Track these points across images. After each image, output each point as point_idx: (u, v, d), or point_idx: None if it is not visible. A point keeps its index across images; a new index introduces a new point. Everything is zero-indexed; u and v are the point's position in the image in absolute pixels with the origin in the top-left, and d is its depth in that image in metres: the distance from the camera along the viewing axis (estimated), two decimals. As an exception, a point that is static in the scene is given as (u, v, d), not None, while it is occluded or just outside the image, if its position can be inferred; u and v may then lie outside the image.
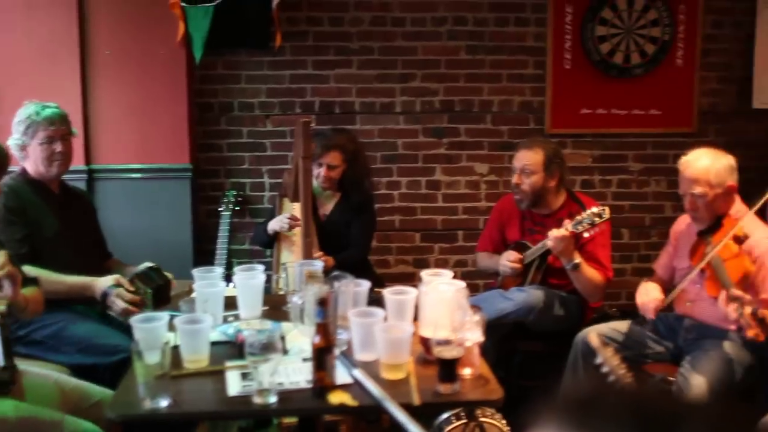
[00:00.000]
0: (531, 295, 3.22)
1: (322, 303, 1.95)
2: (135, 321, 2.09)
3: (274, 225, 3.50)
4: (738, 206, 2.95)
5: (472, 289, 4.00)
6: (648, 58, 4.34)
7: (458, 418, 2.60)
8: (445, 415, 2.63)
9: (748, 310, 2.45)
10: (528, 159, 3.34)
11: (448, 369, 2.00)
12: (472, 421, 2.56)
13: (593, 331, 2.84)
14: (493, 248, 3.55)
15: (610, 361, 1.89)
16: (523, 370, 3.60)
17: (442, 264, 4.34)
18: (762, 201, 2.82)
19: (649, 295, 2.92)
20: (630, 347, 3.02)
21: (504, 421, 2.59)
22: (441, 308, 2.20)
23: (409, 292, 2.32)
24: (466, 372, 2.10)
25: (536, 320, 3.23)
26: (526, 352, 3.52)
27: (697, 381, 2.65)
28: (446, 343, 2.03)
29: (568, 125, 4.37)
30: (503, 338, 3.30)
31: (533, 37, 4.32)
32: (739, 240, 2.77)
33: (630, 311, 4.14)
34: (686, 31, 4.37)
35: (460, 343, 2.05)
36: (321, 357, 1.93)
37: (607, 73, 4.34)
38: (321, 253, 3.36)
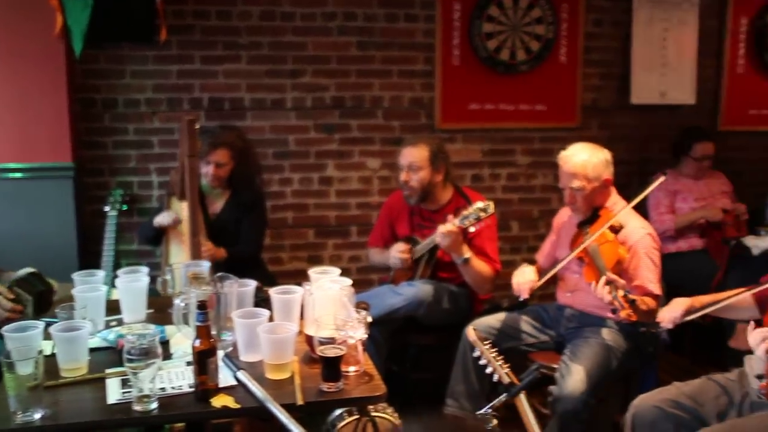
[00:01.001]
0: (420, 289, 3.27)
1: (202, 306, 1.92)
2: (6, 330, 2.00)
3: (160, 219, 3.43)
4: (614, 198, 3.09)
5: (367, 284, 4.06)
6: (533, 55, 4.47)
7: (350, 414, 2.61)
8: (337, 412, 2.64)
9: (620, 292, 2.58)
10: (414, 155, 3.39)
11: (332, 367, 2.00)
12: (364, 416, 2.58)
13: (477, 325, 2.91)
14: (384, 244, 3.59)
15: (486, 354, 1.94)
16: (416, 363, 3.66)
17: (336, 260, 4.35)
18: (656, 184, 2.95)
19: (524, 276, 3.04)
20: (515, 337, 3.12)
21: (396, 414, 2.62)
22: (325, 306, 2.20)
23: (295, 291, 2.31)
24: (351, 370, 2.11)
25: (426, 314, 3.29)
26: (418, 345, 3.58)
27: (577, 368, 2.77)
28: (330, 341, 2.04)
29: (458, 120, 4.45)
30: (396, 332, 3.35)
31: (423, 33, 4.37)
32: (615, 230, 2.91)
33: (519, 301, 4.29)
34: (569, 30, 4.53)
35: (343, 341, 2.06)
36: (202, 360, 1.90)
37: (494, 69, 4.44)
38: (210, 245, 3.31)
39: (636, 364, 3.04)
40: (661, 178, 2.94)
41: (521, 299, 3.01)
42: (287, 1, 4.19)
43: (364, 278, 4.24)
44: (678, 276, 3.87)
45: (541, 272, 3.12)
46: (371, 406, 2.60)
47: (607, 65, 4.65)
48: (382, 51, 4.34)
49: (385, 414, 2.62)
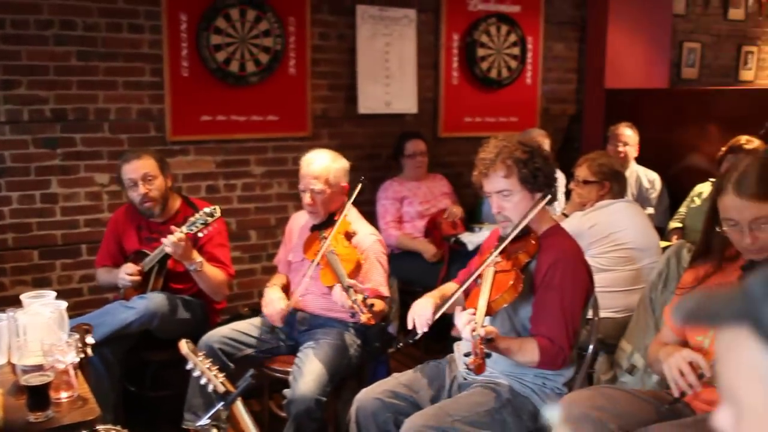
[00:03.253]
0: (153, 300, 3.19)
1: None
2: None
3: None
4: (348, 205, 3.24)
5: (101, 303, 3.86)
6: (263, 67, 4.54)
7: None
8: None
9: (360, 297, 2.69)
10: (145, 166, 3.31)
11: (38, 396, 1.91)
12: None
13: (183, 339, 2.91)
14: (112, 262, 3.46)
15: (200, 365, 1.95)
16: (154, 380, 3.56)
17: (66, 281, 4.11)
18: (357, 190, 3.11)
19: (273, 306, 3.08)
20: (250, 345, 3.15)
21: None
22: (32, 332, 2.09)
23: (1, 318, 2.16)
24: (63, 396, 2.02)
25: (161, 326, 3.21)
26: (156, 362, 3.48)
27: (309, 368, 2.86)
28: (37, 368, 1.94)
29: (190, 132, 4.40)
30: (131, 350, 3.24)
31: (149, 44, 4.26)
32: (349, 236, 3.05)
33: (260, 309, 4.33)
34: (297, 42, 4.66)
35: (52, 367, 1.96)
36: None
37: (224, 80, 4.45)
38: None
39: (366, 359, 3.20)
40: (360, 185, 3.10)
41: (276, 327, 3.08)
42: (-6, 7, 3.89)
43: (98, 298, 4.04)
44: (408, 273, 4.15)
45: (285, 287, 3.20)
46: (102, 428, 2.49)
47: (335, 77, 4.85)
48: (106, 62, 4.17)
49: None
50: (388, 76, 5.02)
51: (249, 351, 3.13)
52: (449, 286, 2.77)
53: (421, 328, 2.50)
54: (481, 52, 5.36)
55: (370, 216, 4.25)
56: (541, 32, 5.66)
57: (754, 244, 1.96)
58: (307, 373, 2.83)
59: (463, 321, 2.26)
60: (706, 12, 6.67)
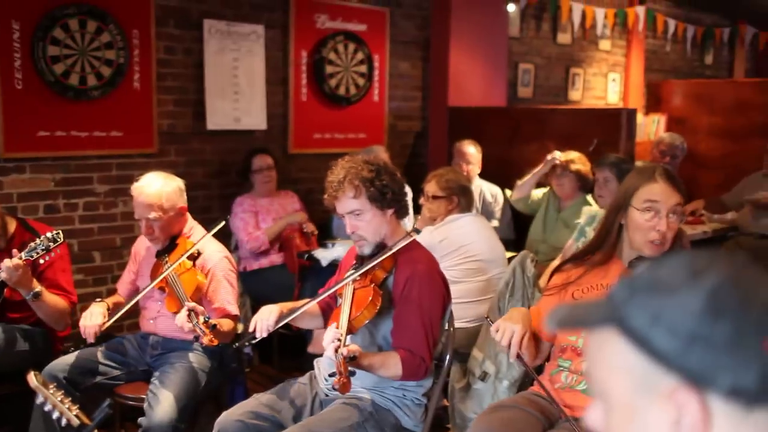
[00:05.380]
0: None
1: None
2: None
3: None
4: (190, 224, 3.16)
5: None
6: (105, 81, 4.35)
7: None
8: None
9: (201, 319, 2.64)
10: None
11: None
12: None
13: (32, 372, 2.74)
14: (-62, 289, 3.18)
15: (51, 398, 1.84)
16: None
17: None
18: (216, 227, 3.04)
19: (91, 319, 2.90)
20: (99, 372, 3.00)
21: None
22: None
23: None
24: None
25: (-1, 359, 2.99)
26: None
27: (164, 395, 2.76)
28: None
29: (25, 149, 4.13)
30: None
31: (-23, 53, 3.98)
32: (194, 257, 2.98)
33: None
34: (141, 55, 4.50)
35: None
36: None
37: (63, 94, 4.22)
38: None
39: (222, 381, 3.14)
40: (222, 223, 3.02)
41: (88, 342, 2.90)
42: None
43: None
44: (261, 290, 4.12)
45: (116, 307, 3.04)
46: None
47: (182, 92, 4.73)
48: (-73, 72, 3.85)
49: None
50: (236, 92, 4.97)
51: (98, 378, 2.98)
52: (306, 301, 2.77)
53: (261, 333, 2.50)
54: (329, 69, 5.42)
55: (226, 235, 4.17)
56: (387, 51, 5.80)
57: (666, 232, 2.20)
58: (163, 399, 2.74)
59: (328, 339, 2.28)
60: (538, 35, 7.12)
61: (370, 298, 2.43)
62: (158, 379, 2.85)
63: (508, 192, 5.04)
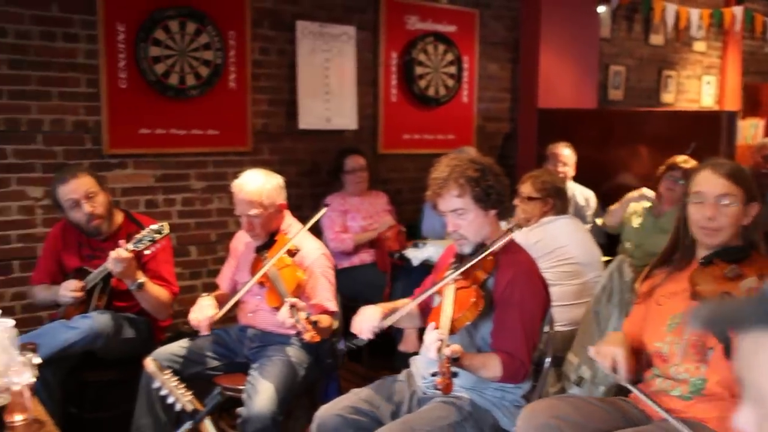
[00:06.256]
0: (97, 320, 3.07)
1: None
2: None
3: None
4: (288, 221, 3.20)
5: (35, 322, 3.72)
6: (203, 80, 4.47)
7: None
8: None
9: (303, 315, 2.66)
10: (84, 185, 3.19)
11: (-6, 418, 1.81)
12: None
13: (161, 354, 2.82)
14: (50, 279, 3.31)
15: (167, 384, 1.89)
16: (97, 402, 3.43)
17: (-4, 299, 3.93)
18: (319, 215, 3.08)
19: (202, 312, 2.97)
20: (200, 363, 3.07)
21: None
22: (-17, 352, 1.98)
23: (-55, 338, 2.04)
24: (18, 419, 1.92)
25: (106, 347, 3.09)
26: (97, 382, 3.35)
27: (263, 386, 2.80)
28: (-10, 390, 1.84)
29: (128, 145, 4.28)
30: (72, 371, 3.11)
31: (84, 54, 4.14)
32: (292, 253, 3.01)
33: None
34: (237, 56, 4.61)
35: (7, 389, 1.87)
36: None
37: (164, 93, 4.35)
38: None
39: (318, 376, 3.17)
40: (324, 210, 3.08)
41: (200, 334, 2.97)
42: None
43: (31, 316, 3.87)
44: (352, 288, 4.14)
45: (222, 301, 3.10)
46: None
47: (276, 92, 4.82)
48: (39, 71, 4.02)
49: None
50: (328, 92, 5.02)
51: (198, 368, 3.05)
52: (403, 301, 2.77)
53: (365, 335, 2.50)
54: (419, 70, 5.43)
55: (317, 232, 4.22)
56: (476, 52, 5.78)
57: (713, 219, 2.18)
58: (262, 390, 2.78)
59: (430, 339, 2.27)
60: (630, 36, 6.96)
61: (473, 300, 2.41)
62: (257, 371, 2.90)
63: (593, 200, 4.92)
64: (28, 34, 3.98)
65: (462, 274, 2.50)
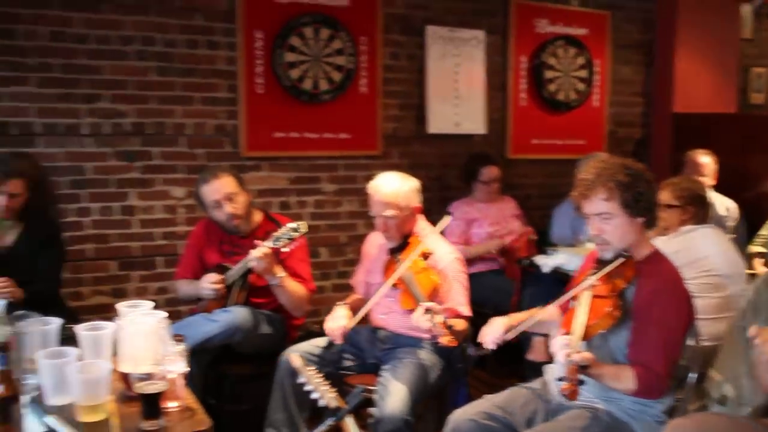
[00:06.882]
0: (236, 314, 3.18)
1: (3, 348, 1.76)
2: None
3: None
4: (421, 224, 3.22)
5: (175, 316, 3.89)
6: (335, 85, 4.57)
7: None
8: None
9: (439, 319, 2.66)
10: (227, 185, 3.31)
11: (151, 404, 1.91)
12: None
13: (295, 352, 2.89)
14: (193, 275, 3.47)
15: (312, 379, 1.94)
16: (232, 394, 3.56)
17: (142, 292, 4.15)
18: (442, 224, 3.09)
19: (336, 321, 3.03)
20: (332, 362, 3.13)
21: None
22: (140, 341, 2.10)
23: (104, 327, 2.18)
24: (172, 405, 2.02)
25: (243, 341, 3.20)
26: (234, 375, 3.48)
27: (396, 388, 2.82)
28: (148, 377, 1.95)
29: (263, 148, 4.44)
30: (210, 364, 3.24)
31: (225, 60, 4.32)
32: (425, 256, 3.03)
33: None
34: (368, 61, 4.69)
35: (163, 376, 1.97)
36: (5, 408, 1.73)
37: (298, 98, 4.48)
38: (8, 281, 3.01)
39: (448, 380, 3.17)
40: (447, 218, 3.10)
41: (335, 343, 3.02)
42: (79, 22, 3.97)
43: (172, 310, 4.00)
44: (480, 294, 4.10)
45: (355, 307, 3.16)
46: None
47: (405, 96, 4.87)
48: (184, 77, 4.23)
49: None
50: (457, 97, 5.02)
51: (330, 368, 3.10)
52: (533, 311, 2.71)
53: (488, 345, 2.50)
54: (549, 74, 5.35)
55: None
56: (608, 55, 5.63)
57: None
58: (395, 392, 2.80)
59: (558, 345, 2.23)
60: (774, 37, 6.58)
61: (609, 309, 2.35)
62: (389, 372, 2.92)
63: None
64: (174, 43, 4.20)
65: (600, 280, 2.44)
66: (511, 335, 2.51)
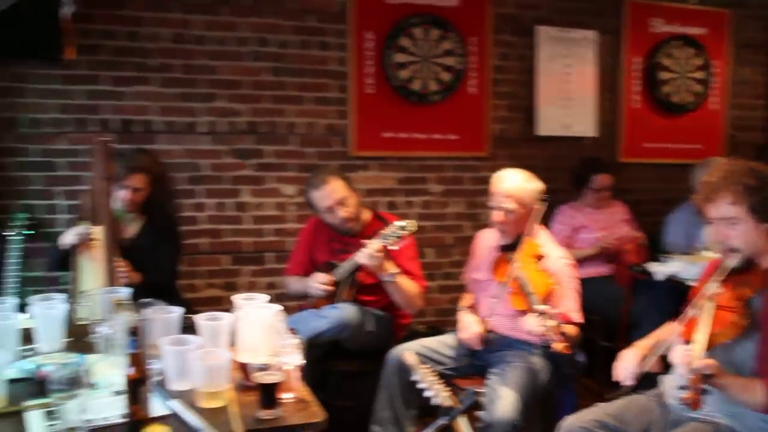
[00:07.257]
0: (345, 311, 3.22)
1: (134, 332, 1.83)
2: None
3: (65, 239, 3.23)
4: (535, 227, 3.16)
5: (286, 310, 3.98)
6: (444, 86, 4.57)
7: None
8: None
9: (553, 323, 2.61)
10: (337, 190, 3.34)
11: (269, 394, 1.96)
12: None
13: (408, 350, 2.89)
14: (303, 271, 3.53)
15: (426, 378, 1.94)
16: (340, 390, 3.60)
17: (252, 287, 4.27)
18: (539, 213, 3.07)
19: (469, 330, 3.05)
20: (439, 362, 3.11)
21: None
22: (259, 333, 2.16)
23: (223, 318, 2.25)
24: (287, 396, 2.06)
25: (350, 337, 3.24)
26: (341, 372, 3.52)
27: (504, 392, 2.78)
28: (265, 367, 1.99)
29: (372, 148, 4.48)
30: (318, 360, 3.29)
31: (336, 61, 4.39)
32: (539, 258, 2.98)
33: (437, 327, 4.30)
34: (478, 62, 4.66)
35: (279, 368, 2.01)
36: (135, 389, 1.81)
37: (407, 98, 4.50)
38: (124, 264, 3.16)
39: (555, 386, 3.10)
40: (543, 206, 3.08)
41: (475, 348, 3.04)
42: (199, 25, 4.12)
43: (281, 305, 4.16)
44: (588, 301, 4.00)
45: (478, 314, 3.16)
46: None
47: (514, 97, 4.81)
48: (296, 78, 4.33)
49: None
50: (567, 98, 4.93)
51: (438, 368, 3.08)
52: (658, 334, 2.60)
53: (628, 381, 2.43)
54: (663, 75, 5.17)
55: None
56: (728, 55, 5.39)
57: None
58: (503, 396, 2.76)
59: (679, 353, 2.15)
60: None
61: (734, 320, 2.24)
62: (498, 376, 2.88)
63: None
64: (287, 44, 4.29)
65: (725, 288, 2.33)
66: (648, 366, 2.42)
